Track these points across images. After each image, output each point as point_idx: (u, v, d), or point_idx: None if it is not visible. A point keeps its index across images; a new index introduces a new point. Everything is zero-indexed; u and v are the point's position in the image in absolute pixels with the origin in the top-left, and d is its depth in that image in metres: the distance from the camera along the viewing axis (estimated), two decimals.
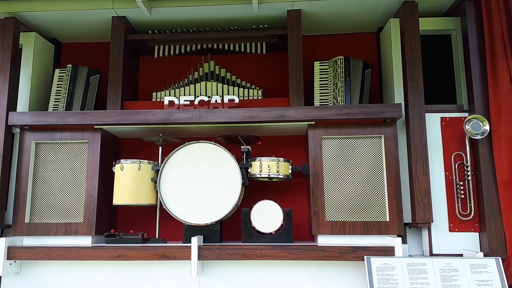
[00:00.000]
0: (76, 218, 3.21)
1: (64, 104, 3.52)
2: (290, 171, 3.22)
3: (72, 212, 3.22)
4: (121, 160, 3.24)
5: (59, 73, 3.64)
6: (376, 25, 3.83)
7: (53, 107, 3.56)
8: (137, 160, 3.23)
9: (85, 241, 3.18)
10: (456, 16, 3.48)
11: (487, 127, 3.03)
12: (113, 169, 3.26)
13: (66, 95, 3.54)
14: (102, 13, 3.54)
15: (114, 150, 3.60)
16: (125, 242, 3.10)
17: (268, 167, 3.14)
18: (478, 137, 3.04)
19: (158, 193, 3.17)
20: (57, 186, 3.27)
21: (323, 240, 3.09)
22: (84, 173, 3.26)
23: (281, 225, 3.07)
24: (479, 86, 3.18)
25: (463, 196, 3.11)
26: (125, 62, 3.54)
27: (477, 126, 3.05)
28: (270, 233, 3.08)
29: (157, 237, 3.22)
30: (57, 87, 3.60)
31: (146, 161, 3.25)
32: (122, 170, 3.21)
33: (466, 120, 3.08)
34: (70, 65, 3.62)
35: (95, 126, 3.31)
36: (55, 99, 3.58)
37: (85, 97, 3.59)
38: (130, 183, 3.19)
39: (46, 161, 3.31)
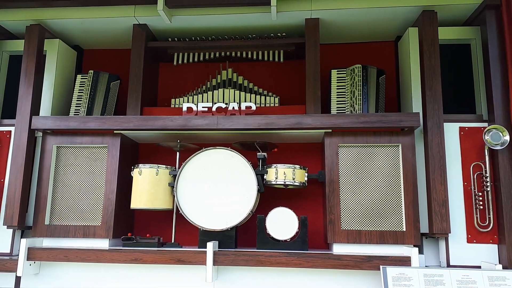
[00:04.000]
0: (94, 221, 3.27)
1: (85, 109, 3.61)
2: (306, 178, 3.22)
3: (90, 215, 3.28)
4: (140, 164, 3.29)
5: (81, 78, 3.73)
6: (394, 34, 3.82)
7: (75, 112, 3.64)
8: (155, 165, 3.28)
9: (103, 244, 3.23)
10: (476, 26, 3.46)
11: (507, 137, 2.99)
12: (132, 174, 3.32)
13: (87, 100, 3.63)
14: (124, 21, 3.62)
15: (132, 154, 3.67)
16: (142, 245, 3.13)
17: (284, 174, 3.15)
18: (498, 147, 3.00)
19: (175, 198, 3.21)
20: (77, 189, 3.34)
21: (339, 249, 3.08)
22: (103, 177, 3.33)
23: (296, 233, 3.07)
24: (499, 96, 3.14)
25: (481, 207, 3.06)
26: (145, 68, 3.61)
27: (497, 137, 3.01)
28: (285, 240, 3.08)
29: (173, 241, 3.25)
30: (78, 92, 3.69)
31: (164, 166, 3.30)
32: (140, 175, 3.26)
33: (485, 130, 3.05)
34: (92, 71, 3.71)
35: (115, 131, 3.38)
36: (76, 104, 3.66)
37: (106, 102, 3.67)
38: (147, 188, 3.23)
39: (67, 165, 3.38)
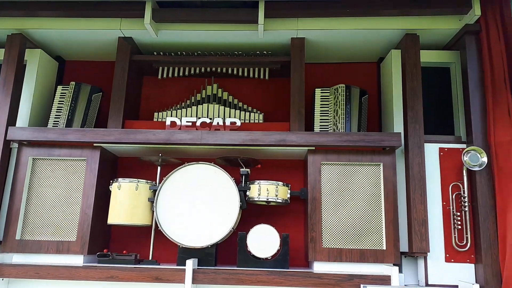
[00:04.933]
0: (69, 236, 3.16)
1: (65, 121, 3.53)
2: (288, 195, 3.21)
3: (65, 230, 3.18)
4: (119, 178, 3.22)
5: (62, 90, 3.66)
6: (377, 55, 3.91)
7: (53, 124, 3.56)
8: (135, 179, 3.22)
9: (77, 260, 3.12)
10: (456, 50, 3.56)
11: (485, 159, 3.05)
12: (110, 188, 3.24)
13: (67, 112, 3.55)
14: (109, 33, 3.59)
15: (111, 168, 3.59)
16: (118, 262, 3.04)
17: (267, 190, 3.13)
18: (476, 168, 3.06)
19: (154, 214, 3.14)
20: (52, 203, 3.23)
21: (319, 267, 3.05)
22: (80, 190, 3.24)
23: (278, 251, 3.04)
24: (477, 119, 3.22)
25: (459, 227, 3.10)
26: (128, 81, 3.58)
27: (475, 158, 3.07)
28: (266, 258, 3.04)
29: (150, 258, 3.17)
30: (58, 103, 3.61)
31: (144, 180, 3.24)
32: (119, 189, 3.19)
33: (464, 151, 3.11)
34: (73, 83, 3.65)
35: (95, 144, 3.31)
36: (55, 115, 3.58)
37: (86, 114, 3.60)
38: (126, 203, 3.16)
39: (42, 177, 3.29)
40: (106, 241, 3.52)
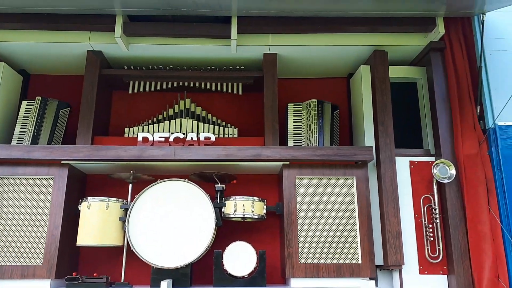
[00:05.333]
0: (35, 260, 2.99)
1: (30, 138, 3.37)
2: (264, 211, 3.19)
3: (30, 254, 3.01)
4: (89, 197, 3.10)
5: (27, 105, 3.51)
6: (346, 71, 3.99)
7: (18, 141, 3.39)
8: (106, 198, 3.10)
9: (44, 285, 2.95)
10: (422, 66, 3.69)
11: (453, 171, 3.16)
12: (79, 207, 3.11)
13: (33, 128, 3.40)
14: (77, 46, 3.49)
15: (80, 187, 3.45)
16: (88, 286, 2.91)
17: (243, 206, 3.10)
18: (446, 181, 3.15)
19: (126, 233, 3.03)
20: (16, 225, 3.06)
21: (297, 284, 3.03)
22: (46, 210, 3.09)
23: (255, 268, 2.99)
24: (445, 133, 3.33)
25: (432, 239, 3.17)
26: (98, 96, 3.48)
27: (444, 171, 3.17)
28: (243, 276, 2.99)
29: (122, 280, 3.05)
30: (23, 119, 3.46)
31: (115, 199, 3.13)
32: (89, 209, 3.06)
33: (434, 164, 3.20)
34: (40, 97, 3.50)
35: (63, 162, 3.18)
36: (20, 132, 3.42)
37: (53, 130, 3.46)
38: (96, 222, 3.04)
39: (6, 197, 3.11)
40: (75, 263, 3.36)
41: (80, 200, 3.13)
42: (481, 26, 3.43)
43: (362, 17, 3.40)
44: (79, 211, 3.11)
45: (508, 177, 3.12)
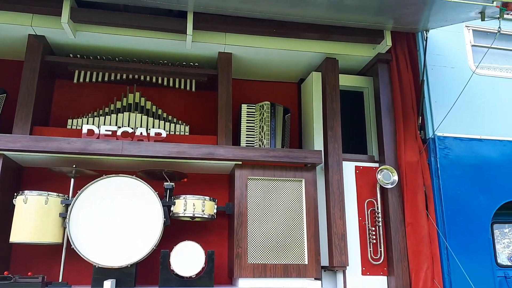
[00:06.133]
0: None
1: None
2: (215, 210, 3.15)
3: None
4: (25, 191, 2.87)
5: None
6: (298, 76, 4.07)
7: None
8: (45, 192, 2.90)
9: None
10: (370, 76, 3.86)
11: (396, 177, 3.33)
12: (14, 201, 2.87)
13: None
14: (18, 29, 3.24)
15: (15, 180, 3.19)
16: (22, 286, 2.68)
17: (193, 205, 3.04)
18: (389, 186, 3.32)
19: (66, 230, 2.85)
20: None
21: (244, 284, 3.02)
22: None
23: (202, 268, 2.94)
24: (389, 140, 3.51)
25: (374, 241, 3.32)
26: (39, 84, 3.24)
27: (388, 176, 3.34)
28: (190, 277, 2.92)
29: (60, 280, 2.86)
30: None
31: (55, 194, 2.93)
32: (25, 203, 2.84)
33: (378, 170, 3.36)
34: None
35: None
36: None
37: None
38: (33, 218, 2.82)
39: None
40: (6, 262, 3.08)
41: (15, 194, 2.89)
42: (425, 42, 3.66)
43: (315, 24, 3.49)
44: (14, 205, 2.87)
45: (445, 184, 3.36)
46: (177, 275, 2.90)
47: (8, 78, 3.53)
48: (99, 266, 2.82)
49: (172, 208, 3.06)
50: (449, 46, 3.84)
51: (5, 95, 3.33)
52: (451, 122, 3.52)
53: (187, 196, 3.07)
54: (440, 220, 3.28)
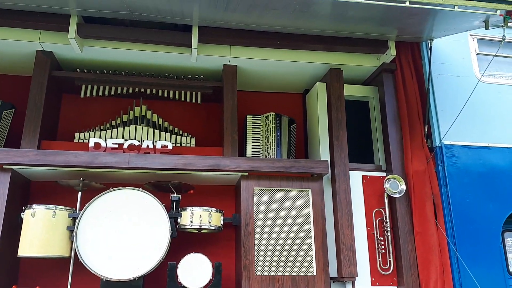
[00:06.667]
0: None
1: None
2: (221, 222, 3.14)
3: None
4: (33, 205, 2.89)
5: None
6: (302, 87, 4.09)
7: None
8: (52, 206, 2.91)
9: None
10: (374, 86, 3.87)
11: (404, 186, 3.31)
12: (22, 215, 2.88)
13: None
14: (26, 45, 3.29)
15: (22, 194, 3.20)
16: None
17: (200, 217, 3.03)
18: (397, 195, 3.29)
19: (74, 244, 2.85)
20: None
21: None
22: None
23: (210, 280, 2.92)
24: (395, 149, 3.49)
25: (383, 251, 3.28)
26: (46, 99, 3.28)
27: (395, 185, 3.31)
28: None
29: None
30: None
31: (63, 207, 2.94)
32: (33, 217, 2.85)
33: (386, 179, 3.34)
34: None
35: (5, 166, 2.94)
36: None
37: None
38: (41, 232, 2.83)
39: None
40: (15, 275, 3.08)
41: (23, 208, 2.90)
42: (429, 51, 3.67)
43: (320, 35, 3.52)
44: (22, 219, 2.88)
45: (454, 193, 3.33)
46: (184, 287, 2.88)
47: (16, 93, 3.58)
48: (107, 279, 2.81)
49: (178, 220, 3.05)
50: (454, 54, 3.85)
51: (13, 110, 3.37)
52: (458, 130, 3.51)
53: (193, 207, 3.06)
54: (449, 229, 3.24)
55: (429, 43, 3.68)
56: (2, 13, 3.12)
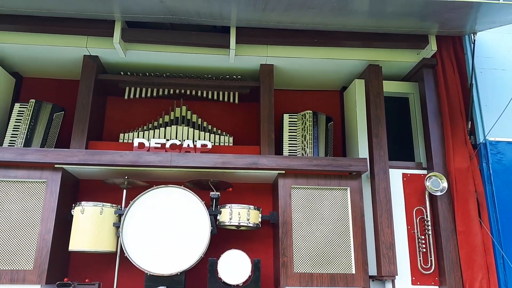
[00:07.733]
0: (25, 265, 2.92)
1: (23, 140, 3.32)
2: (259, 219, 3.19)
3: (20, 258, 2.93)
4: (82, 202, 3.05)
5: (20, 107, 3.46)
6: (340, 84, 4.06)
7: (9, 143, 3.33)
8: (100, 203, 3.06)
9: None
10: (414, 82, 3.79)
11: (445, 184, 3.23)
12: (72, 212, 3.06)
13: (25, 131, 3.35)
14: (74, 50, 3.47)
15: (72, 191, 3.39)
16: None
17: (238, 214, 3.10)
18: (438, 193, 3.22)
19: (120, 239, 2.99)
20: (6, 229, 2.98)
21: None
22: (38, 214, 3.02)
23: (249, 277, 2.98)
24: (437, 146, 3.41)
25: (424, 250, 3.22)
26: (93, 101, 3.45)
27: (437, 183, 3.24)
28: (237, 285, 2.97)
29: (115, 287, 2.99)
30: (15, 122, 3.40)
31: (109, 204, 3.09)
32: (82, 213, 3.01)
33: (427, 177, 3.27)
34: (33, 100, 3.46)
35: (56, 165, 3.13)
36: (12, 134, 3.36)
37: (47, 134, 3.41)
38: (90, 228, 2.99)
39: None
40: (66, 269, 3.28)
41: (73, 205, 3.08)
42: (472, 45, 3.54)
43: (357, 32, 3.49)
44: (72, 216, 3.05)
45: (499, 191, 3.21)
46: (224, 283, 2.96)
47: (65, 96, 3.78)
48: (151, 274, 2.93)
49: (218, 217, 3.13)
50: (499, 48, 3.70)
51: (63, 112, 3.57)
52: (503, 126, 3.38)
53: (232, 205, 3.14)
54: (494, 228, 3.14)
55: (472, 37, 3.55)
56: (52, 21, 3.31)
